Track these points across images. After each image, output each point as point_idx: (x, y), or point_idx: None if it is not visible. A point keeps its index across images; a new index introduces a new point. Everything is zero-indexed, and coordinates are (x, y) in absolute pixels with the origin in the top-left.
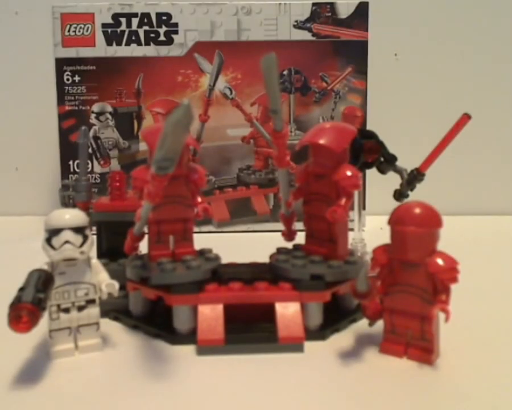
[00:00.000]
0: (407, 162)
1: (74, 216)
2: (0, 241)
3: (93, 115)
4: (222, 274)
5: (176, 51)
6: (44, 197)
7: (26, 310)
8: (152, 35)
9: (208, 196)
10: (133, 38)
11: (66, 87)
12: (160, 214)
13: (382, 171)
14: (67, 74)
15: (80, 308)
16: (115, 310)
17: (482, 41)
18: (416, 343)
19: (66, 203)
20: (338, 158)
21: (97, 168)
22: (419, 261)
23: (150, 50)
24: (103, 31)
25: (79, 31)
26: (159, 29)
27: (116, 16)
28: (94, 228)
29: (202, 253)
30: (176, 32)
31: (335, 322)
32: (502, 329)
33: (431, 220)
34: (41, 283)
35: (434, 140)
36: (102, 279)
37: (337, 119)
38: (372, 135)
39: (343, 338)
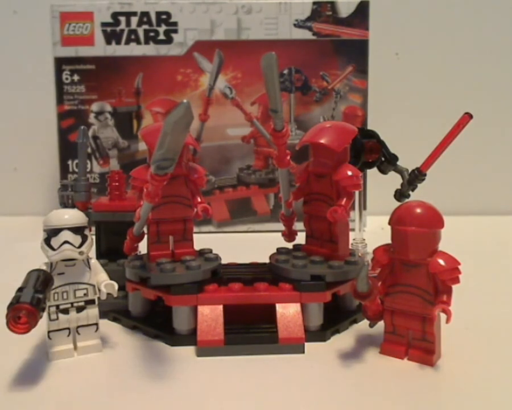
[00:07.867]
0: (408, 161)
1: (73, 216)
2: None
3: (92, 115)
4: (222, 274)
5: (176, 50)
6: (43, 197)
7: (25, 310)
8: (152, 34)
9: (208, 196)
10: (132, 37)
11: (65, 87)
12: (159, 214)
13: (383, 170)
14: (67, 74)
15: (79, 309)
16: (114, 310)
17: (483, 40)
18: (417, 344)
19: (65, 202)
20: (338, 158)
21: (96, 168)
22: (420, 261)
23: (149, 50)
24: (102, 30)
25: (78, 30)
26: (159, 28)
27: (115, 15)
28: (93, 228)
29: (202, 253)
30: (176, 31)
31: (336, 322)
32: (504, 330)
33: (432, 220)
34: (40, 283)
35: (435, 140)
36: (101, 280)
37: (337, 118)
38: (373, 135)
39: (344, 339)
